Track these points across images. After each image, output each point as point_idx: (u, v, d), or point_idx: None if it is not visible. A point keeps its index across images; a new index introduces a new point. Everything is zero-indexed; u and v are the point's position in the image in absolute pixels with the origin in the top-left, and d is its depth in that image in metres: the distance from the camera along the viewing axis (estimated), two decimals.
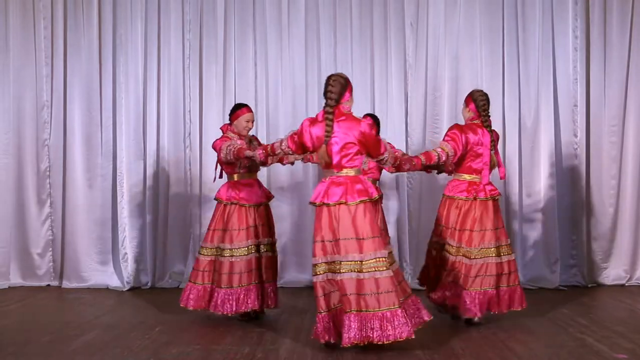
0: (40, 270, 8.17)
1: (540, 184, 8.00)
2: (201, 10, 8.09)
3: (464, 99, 7.81)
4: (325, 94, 5.29)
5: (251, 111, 6.33)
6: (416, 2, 8.03)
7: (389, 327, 4.98)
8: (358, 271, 5.04)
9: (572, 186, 8.00)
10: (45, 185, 8.17)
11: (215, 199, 6.30)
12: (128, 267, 7.93)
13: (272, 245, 6.31)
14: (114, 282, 7.95)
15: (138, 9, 8.04)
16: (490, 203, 6.10)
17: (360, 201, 5.12)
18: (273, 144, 5.62)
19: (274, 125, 8.06)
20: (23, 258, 8.16)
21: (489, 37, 8.02)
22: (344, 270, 5.06)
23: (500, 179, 6.44)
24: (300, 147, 5.39)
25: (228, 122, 6.35)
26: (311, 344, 5.32)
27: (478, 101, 6.13)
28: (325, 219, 5.16)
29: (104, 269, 8.02)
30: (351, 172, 5.21)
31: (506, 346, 5.31)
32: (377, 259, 5.07)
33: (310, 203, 5.27)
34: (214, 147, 6.18)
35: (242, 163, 6.19)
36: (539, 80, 7.99)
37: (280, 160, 6.35)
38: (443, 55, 8.04)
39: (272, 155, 5.75)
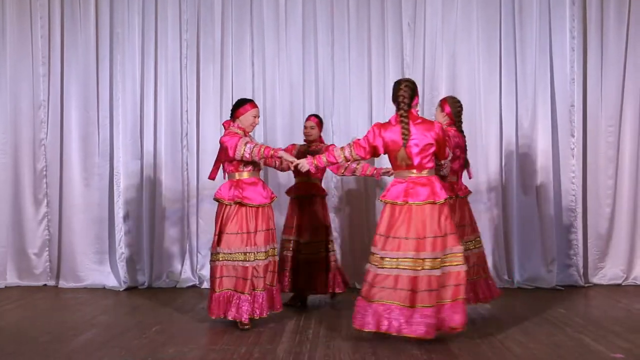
0: (37, 270, 8.16)
1: (537, 184, 8.00)
2: (198, 9, 8.09)
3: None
4: (396, 98, 5.49)
5: (257, 106, 6.08)
6: (413, 1, 8.03)
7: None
8: (437, 267, 5.30)
9: (569, 186, 8.00)
10: (42, 184, 8.16)
11: (215, 199, 6.00)
12: (125, 267, 7.91)
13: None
14: (110, 281, 7.94)
15: (135, 7, 8.03)
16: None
17: (445, 200, 5.40)
18: (331, 153, 5.63)
19: (271, 124, 8.06)
20: (20, 258, 8.15)
21: (486, 36, 8.02)
22: (427, 267, 5.29)
23: (470, 178, 6.67)
24: (370, 151, 5.53)
25: (230, 118, 6.06)
26: (308, 344, 5.32)
27: (455, 107, 6.28)
28: (404, 216, 5.37)
29: (101, 269, 8.01)
30: (432, 172, 5.47)
31: (503, 345, 5.32)
32: (454, 254, 5.38)
33: (388, 202, 5.43)
34: (224, 143, 5.85)
35: (276, 164, 6.30)
36: (536, 80, 8.00)
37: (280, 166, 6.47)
38: (440, 55, 8.05)
39: (327, 166, 5.85)
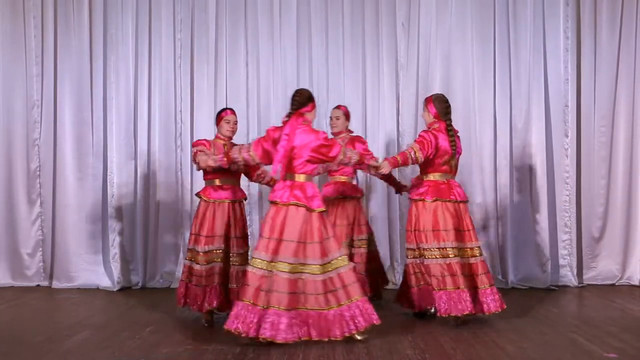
0: (30, 270, 8.14)
1: (531, 184, 8.01)
2: (192, 9, 8.08)
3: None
4: (447, 113, 6.08)
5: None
6: (408, 2, 8.05)
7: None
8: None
9: (563, 186, 8.02)
10: (36, 184, 8.14)
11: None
12: (118, 267, 7.90)
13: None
14: (104, 282, 7.93)
15: (129, 7, 8.02)
16: None
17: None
18: (395, 157, 5.87)
19: (265, 125, 8.02)
20: (13, 258, 8.14)
21: (480, 37, 8.04)
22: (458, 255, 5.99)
23: None
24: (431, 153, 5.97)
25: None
26: (302, 345, 5.32)
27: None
28: (448, 212, 5.98)
29: (95, 269, 7.99)
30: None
31: (497, 345, 5.32)
32: (473, 248, 6.07)
33: (446, 200, 5.98)
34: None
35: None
36: (530, 81, 8.02)
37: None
38: (434, 55, 8.06)
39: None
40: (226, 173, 6.05)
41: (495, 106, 8.04)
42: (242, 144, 5.87)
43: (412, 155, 5.83)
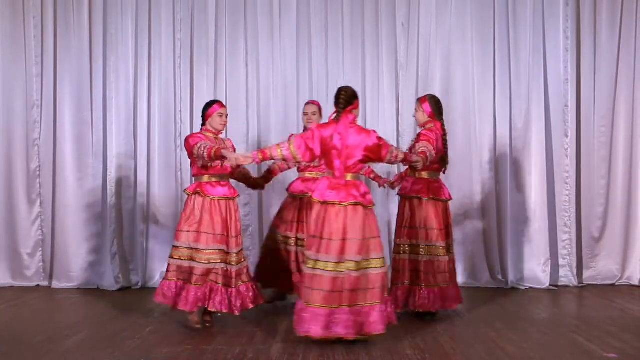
0: (30, 270, 8.14)
1: (530, 184, 8.01)
2: (192, 9, 8.08)
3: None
4: (441, 113, 6.26)
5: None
6: (407, 2, 8.04)
7: None
8: None
9: (563, 186, 8.02)
10: (35, 184, 8.13)
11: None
12: (118, 267, 7.90)
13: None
14: (104, 282, 7.92)
15: (129, 7, 8.01)
16: None
17: None
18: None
19: (265, 125, 8.05)
20: (12, 258, 8.13)
21: (480, 37, 8.04)
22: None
23: None
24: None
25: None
26: (302, 344, 5.32)
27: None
28: (441, 210, 6.19)
29: (94, 269, 7.98)
30: None
31: (497, 345, 5.32)
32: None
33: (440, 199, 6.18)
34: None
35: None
36: (530, 81, 8.01)
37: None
38: (434, 55, 8.06)
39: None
40: (221, 169, 5.93)
41: (495, 106, 8.03)
42: (279, 143, 5.57)
43: (429, 155, 5.85)
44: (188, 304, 5.83)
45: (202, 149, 5.69)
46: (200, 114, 6.06)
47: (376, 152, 5.44)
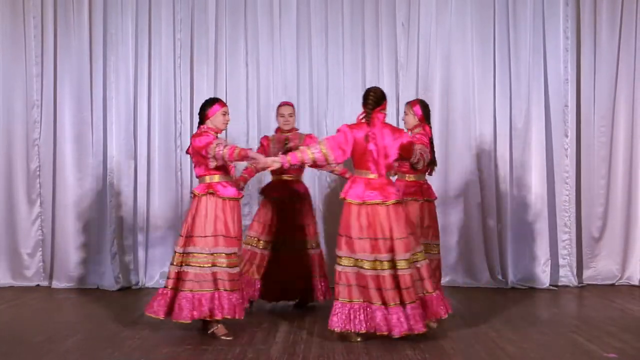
0: (30, 270, 8.14)
1: (530, 184, 8.01)
2: (192, 9, 8.08)
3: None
4: (429, 117, 6.24)
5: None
6: (407, 2, 8.04)
7: None
8: None
9: (563, 186, 8.02)
10: (36, 184, 8.13)
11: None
12: (118, 267, 7.90)
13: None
14: (104, 282, 7.92)
15: (129, 7, 8.01)
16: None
17: None
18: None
19: (265, 125, 8.04)
20: (12, 258, 8.13)
21: (480, 37, 8.04)
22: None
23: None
24: None
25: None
26: (302, 344, 5.32)
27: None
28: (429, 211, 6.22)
29: (94, 269, 7.98)
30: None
31: (497, 345, 5.32)
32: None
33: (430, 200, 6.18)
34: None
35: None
36: (530, 81, 8.02)
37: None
38: (434, 55, 8.06)
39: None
40: (226, 168, 5.72)
41: (495, 106, 8.03)
42: (308, 145, 5.60)
43: (426, 158, 5.84)
44: (231, 312, 5.53)
45: (222, 148, 5.44)
46: (198, 113, 5.83)
47: (408, 150, 5.51)
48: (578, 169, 8.06)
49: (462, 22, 8.05)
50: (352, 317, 5.32)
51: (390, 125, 5.59)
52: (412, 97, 7.93)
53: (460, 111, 8.01)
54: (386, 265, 5.32)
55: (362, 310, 5.33)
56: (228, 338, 5.49)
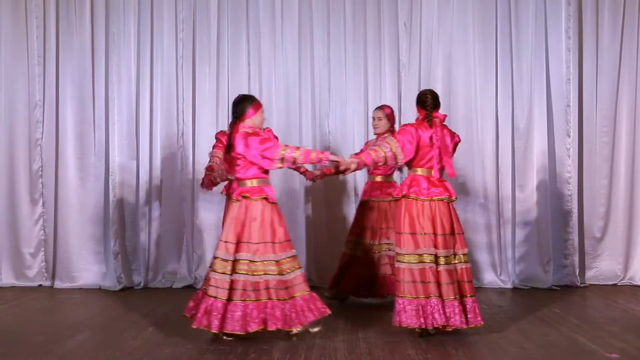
0: (32, 270, 8.14)
1: (533, 184, 8.01)
2: (194, 9, 8.08)
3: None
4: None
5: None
6: (409, 2, 8.04)
7: None
8: None
9: (565, 186, 8.01)
10: (38, 184, 8.14)
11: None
12: (120, 267, 7.90)
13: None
14: (106, 282, 7.93)
15: (131, 7, 8.02)
16: None
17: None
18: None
19: (266, 124, 7.95)
20: (15, 258, 8.14)
21: (482, 37, 8.03)
22: None
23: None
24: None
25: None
26: (304, 344, 5.32)
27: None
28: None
29: (97, 269, 7.99)
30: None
31: (499, 346, 5.32)
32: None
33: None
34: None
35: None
36: (532, 81, 8.01)
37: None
38: (436, 55, 8.05)
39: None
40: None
41: (497, 106, 8.03)
42: (379, 145, 5.65)
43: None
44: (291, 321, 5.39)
45: (294, 150, 5.32)
46: (232, 109, 5.54)
47: (456, 148, 5.82)
48: (580, 168, 8.05)
49: (464, 21, 8.04)
50: (420, 313, 5.39)
51: (446, 126, 5.76)
52: (414, 97, 7.94)
53: (462, 111, 8.00)
54: (448, 260, 5.49)
55: (428, 306, 5.39)
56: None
